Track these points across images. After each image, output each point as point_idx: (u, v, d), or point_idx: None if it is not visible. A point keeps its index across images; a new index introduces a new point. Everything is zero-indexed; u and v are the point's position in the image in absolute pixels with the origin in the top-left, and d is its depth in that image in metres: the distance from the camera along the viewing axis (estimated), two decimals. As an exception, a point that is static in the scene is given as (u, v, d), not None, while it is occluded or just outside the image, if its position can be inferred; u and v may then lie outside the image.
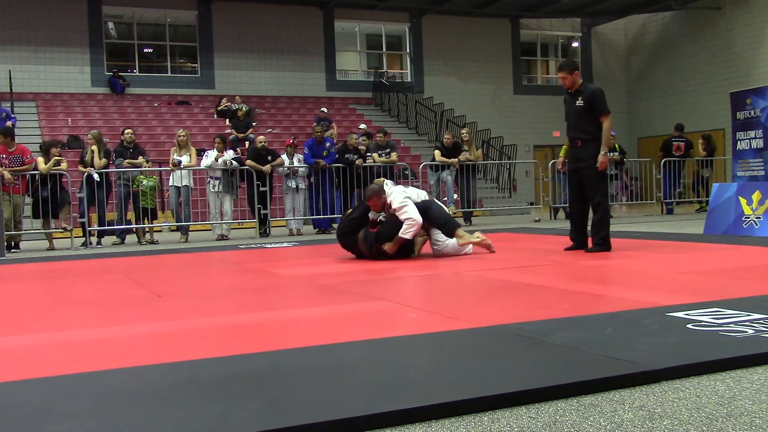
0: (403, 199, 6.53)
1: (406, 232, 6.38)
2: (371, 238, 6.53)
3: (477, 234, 6.88)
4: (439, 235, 6.64)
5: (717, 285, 4.40)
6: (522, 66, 24.52)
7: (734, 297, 3.76)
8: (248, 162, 11.42)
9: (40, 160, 10.24)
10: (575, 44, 25.38)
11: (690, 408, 2.09)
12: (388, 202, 6.56)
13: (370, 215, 6.80)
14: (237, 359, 2.78)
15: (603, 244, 6.56)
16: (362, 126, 17.79)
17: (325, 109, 18.43)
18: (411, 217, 6.38)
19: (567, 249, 6.81)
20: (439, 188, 12.88)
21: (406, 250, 6.64)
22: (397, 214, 6.44)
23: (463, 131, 13.69)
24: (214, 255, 8.24)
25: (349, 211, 7.24)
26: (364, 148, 12.43)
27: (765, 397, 2.18)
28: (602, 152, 6.49)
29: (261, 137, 11.81)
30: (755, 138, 9.43)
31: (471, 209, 13.21)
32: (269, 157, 11.56)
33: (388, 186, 6.73)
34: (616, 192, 14.04)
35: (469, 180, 13.03)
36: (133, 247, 10.23)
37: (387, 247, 6.43)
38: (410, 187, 7.27)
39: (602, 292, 4.42)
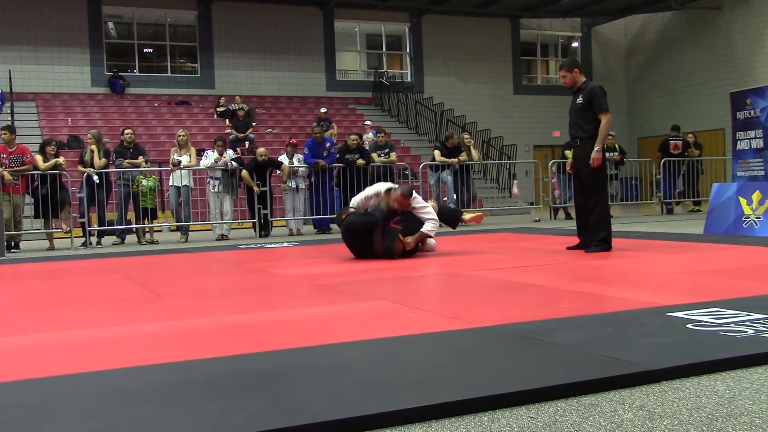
0: (423, 200, 7.09)
1: (431, 231, 6.88)
2: (394, 233, 6.56)
3: (472, 213, 8.06)
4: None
5: (717, 285, 4.39)
6: (522, 66, 24.52)
7: (734, 297, 3.76)
8: (244, 173, 11.37)
9: (39, 157, 10.24)
10: (575, 44, 25.37)
11: (690, 408, 2.09)
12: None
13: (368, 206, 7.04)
14: (237, 359, 2.78)
15: (603, 244, 6.53)
16: (368, 123, 17.71)
17: (324, 109, 18.42)
18: (436, 218, 6.93)
19: (570, 248, 6.81)
20: (439, 188, 12.87)
21: (411, 250, 6.77)
22: (421, 212, 6.87)
23: (466, 135, 13.62)
24: (214, 255, 8.24)
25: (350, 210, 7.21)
26: (370, 140, 12.32)
27: (765, 397, 2.18)
28: (596, 148, 6.42)
29: (262, 149, 11.71)
30: (755, 138, 9.43)
31: (472, 209, 13.20)
32: (269, 168, 11.55)
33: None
34: (615, 192, 14.04)
35: (464, 179, 12.99)
36: (133, 247, 10.23)
37: (409, 239, 6.67)
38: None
39: (602, 292, 4.41)
